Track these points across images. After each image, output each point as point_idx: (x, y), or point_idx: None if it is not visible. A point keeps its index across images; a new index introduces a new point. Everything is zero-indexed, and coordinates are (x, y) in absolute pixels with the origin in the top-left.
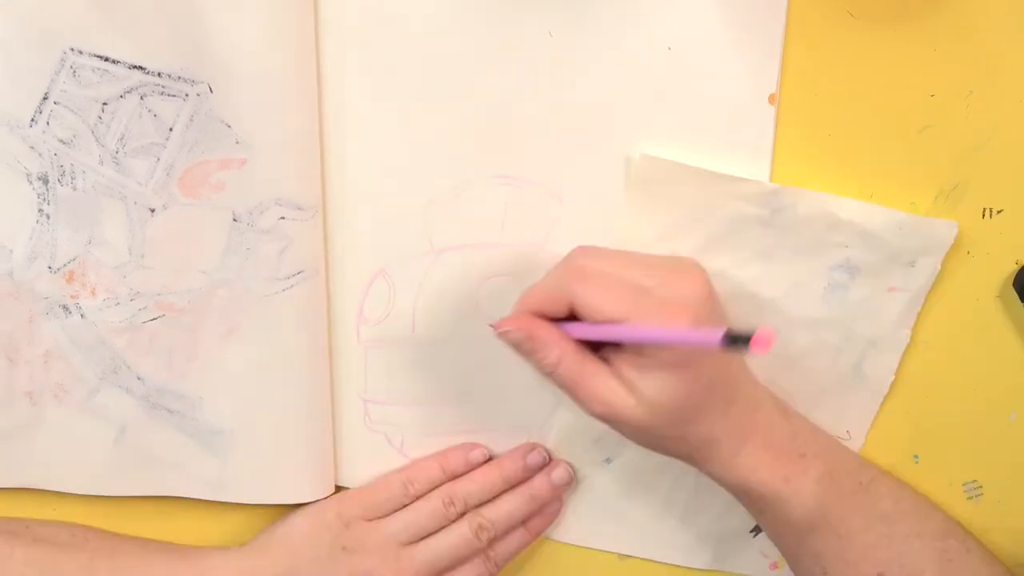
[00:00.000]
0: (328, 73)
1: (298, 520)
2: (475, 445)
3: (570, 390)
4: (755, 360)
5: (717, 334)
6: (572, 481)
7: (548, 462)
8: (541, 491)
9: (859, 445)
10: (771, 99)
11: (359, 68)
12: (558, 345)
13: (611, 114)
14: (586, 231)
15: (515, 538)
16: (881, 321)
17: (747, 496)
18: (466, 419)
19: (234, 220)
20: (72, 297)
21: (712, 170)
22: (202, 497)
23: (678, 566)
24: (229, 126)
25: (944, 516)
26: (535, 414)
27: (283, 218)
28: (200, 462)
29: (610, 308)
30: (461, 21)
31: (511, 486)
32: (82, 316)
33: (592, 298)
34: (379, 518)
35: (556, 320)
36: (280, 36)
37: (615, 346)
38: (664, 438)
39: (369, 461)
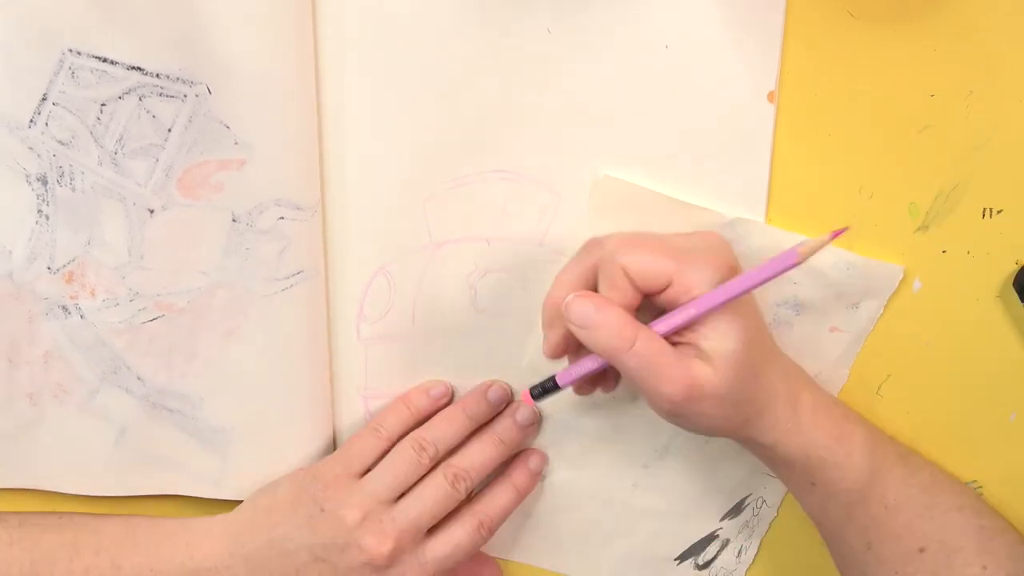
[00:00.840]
0: (327, 71)
1: (279, 489)
2: (436, 382)
3: (645, 371)
4: None
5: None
6: (537, 421)
7: (511, 397)
8: (507, 433)
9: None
10: (770, 97)
11: (357, 66)
12: (632, 323)
13: (609, 111)
14: (584, 225)
15: (504, 498)
16: (821, 360)
17: (804, 464)
18: None
19: (233, 220)
20: (72, 298)
21: (672, 196)
22: (203, 495)
23: None
24: (228, 127)
25: (975, 494)
26: None
27: (282, 218)
28: (201, 461)
29: (662, 264)
30: (460, 18)
31: (478, 425)
32: (82, 317)
33: (643, 258)
34: (358, 475)
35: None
36: (278, 36)
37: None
38: (736, 404)
39: None
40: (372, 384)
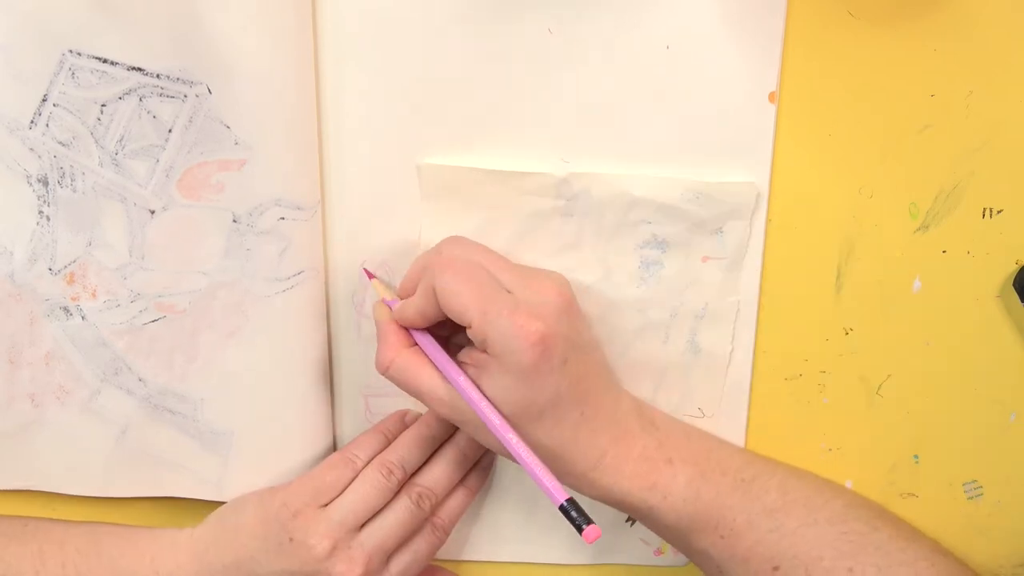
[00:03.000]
0: (326, 71)
1: (246, 510)
2: (407, 410)
3: (406, 390)
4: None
5: (561, 497)
6: None
7: None
8: (469, 448)
9: (715, 423)
10: (771, 97)
11: (357, 66)
12: (395, 347)
13: (610, 112)
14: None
15: (457, 500)
16: (703, 292)
17: (615, 505)
18: None
19: (234, 221)
20: (73, 299)
21: (497, 169)
22: (203, 498)
23: (561, 564)
24: (228, 127)
25: (847, 501)
26: None
27: (283, 218)
28: (201, 463)
29: (466, 298)
30: (460, 18)
31: (441, 442)
32: (83, 318)
33: (450, 289)
34: (326, 503)
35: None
36: (278, 36)
37: (467, 343)
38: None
39: None
40: (373, 383)
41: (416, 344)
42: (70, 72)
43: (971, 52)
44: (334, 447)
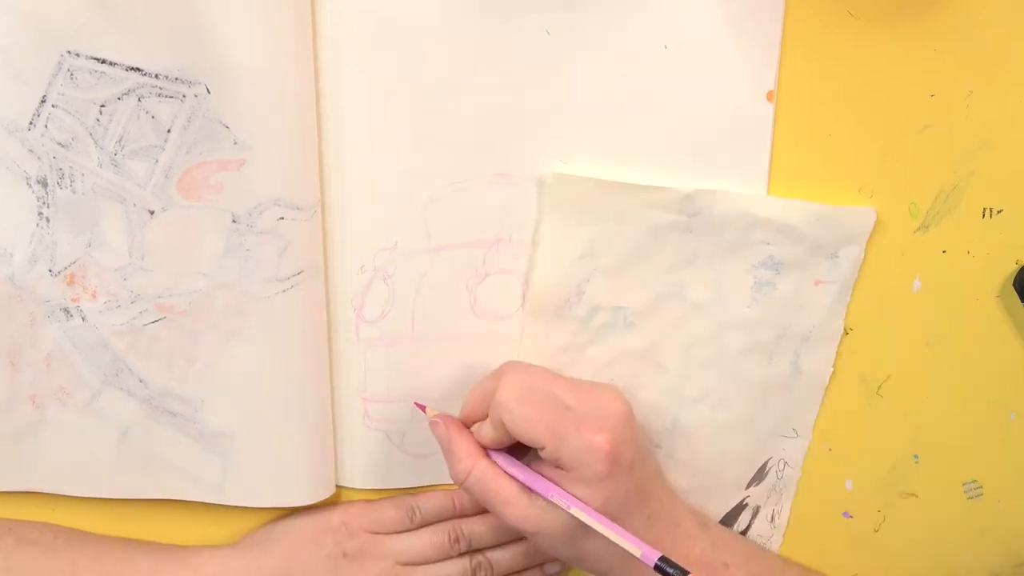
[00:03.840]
0: (326, 72)
1: (301, 521)
2: None
3: (484, 501)
4: (698, 370)
5: (654, 555)
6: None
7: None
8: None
9: (807, 443)
10: (769, 96)
11: (357, 67)
12: (471, 458)
13: (608, 112)
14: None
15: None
16: (812, 315)
17: None
18: None
19: (233, 221)
20: (73, 300)
21: (624, 182)
22: (204, 500)
23: None
24: (227, 127)
25: None
26: None
27: (282, 218)
28: (202, 464)
29: (535, 425)
30: (459, 19)
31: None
32: (83, 319)
33: (517, 420)
34: (383, 534)
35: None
36: (277, 36)
37: (539, 459)
38: (580, 553)
39: (369, 460)
40: (371, 387)
41: (487, 455)
42: (69, 73)
43: (971, 52)
44: (334, 447)
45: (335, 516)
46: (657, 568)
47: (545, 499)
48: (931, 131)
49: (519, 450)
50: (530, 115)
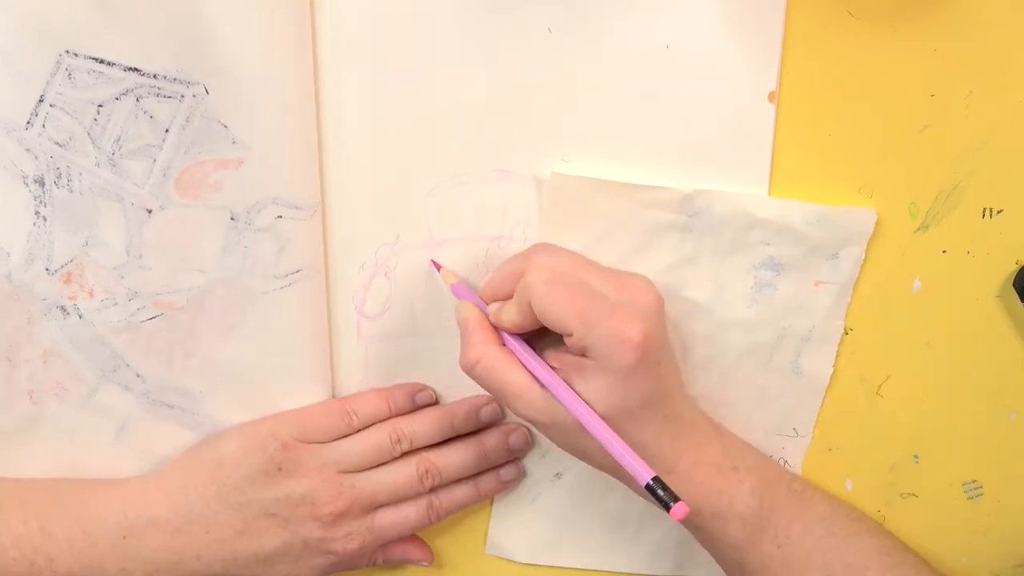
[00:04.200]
0: (325, 69)
1: (227, 439)
2: (423, 386)
3: (492, 391)
4: (698, 369)
5: (647, 475)
6: (528, 447)
7: (502, 420)
8: (495, 450)
9: (807, 442)
10: (771, 97)
11: (356, 64)
12: (484, 345)
13: (610, 111)
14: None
15: (463, 492)
16: (811, 315)
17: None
18: None
19: (232, 219)
20: (70, 298)
21: (624, 181)
22: None
23: (640, 574)
24: (225, 126)
25: (872, 519)
26: None
27: (280, 217)
28: None
29: (564, 309)
30: (459, 17)
31: (458, 436)
32: (80, 316)
33: (547, 301)
34: (319, 443)
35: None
36: (275, 34)
37: (557, 347)
38: (591, 447)
39: None
40: (372, 383)
41: (502, 343)
42: (67, 73)
43: (971, 52)
44: None
45: (263, 428)
46: (648, 488)
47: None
48: (931, 131)
49: (535, 342)
50: (531, 112)
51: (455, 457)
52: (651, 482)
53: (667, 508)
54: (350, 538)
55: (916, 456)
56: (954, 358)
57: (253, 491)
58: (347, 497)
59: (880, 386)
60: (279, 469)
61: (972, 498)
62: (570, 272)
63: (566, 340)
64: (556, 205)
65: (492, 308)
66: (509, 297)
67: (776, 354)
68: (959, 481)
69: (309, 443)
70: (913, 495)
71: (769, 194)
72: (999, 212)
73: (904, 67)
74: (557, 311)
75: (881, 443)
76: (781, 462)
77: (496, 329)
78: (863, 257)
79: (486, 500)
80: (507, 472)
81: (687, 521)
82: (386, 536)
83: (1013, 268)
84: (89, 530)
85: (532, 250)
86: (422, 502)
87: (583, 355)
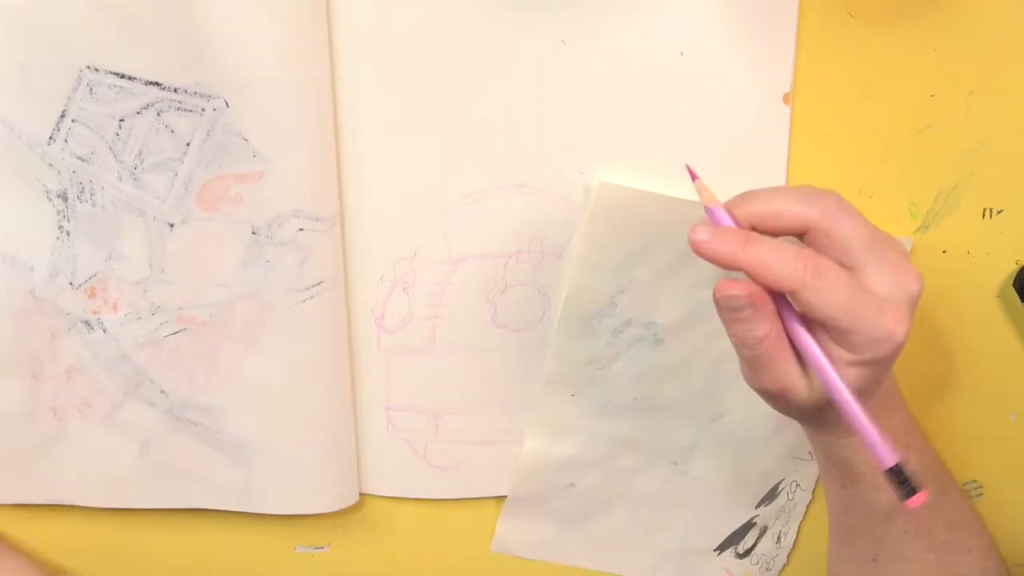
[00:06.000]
0: (342, 84)
1: None
2: None
3: (751, 363)
4: (729, 383)
5: (891, 459)
6: None
7: None
8: None
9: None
10: (785, 99)
11: (373, 78)
12: (769, 320)
13: (626, 120)
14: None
15: None
16: None
17: (846, 470)
18: (489, 428)
19: (253, 233)
20: (94, 312)
21: (670, 195)
22: (228, 508)
23: None
24: (246, 140)
25: (991, 539)
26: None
27: (302, 229)
28: (225, 474)
29: (830, 310)
30: (474, 30)
31: None
32: (104, 331)
33: (816, 296)
34: None
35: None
36: (294, 49)
37: (809, 325)
38: (816, 411)
39: (393, 469)
40: (394, 396)
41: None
42: (88, 88)
43: (971, 52)
44: (356, 456)
45: None
46: (889, 472)
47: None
48: (931, 131)
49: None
50: (547, 125)
51: None
52: (894, 467)
53: (906, 496)
54: None
55: None
56: (954, 358)
57: None
58: None
59: None
60: None
61: (972, 498)
62: (845, 260)
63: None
64: (601, 215)
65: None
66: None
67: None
68: (959, 481)
69: None
70: None
71: None
72: (999, 212)
73: (904, 67)
74: (824, 308)
75: None
76: (793, 485)
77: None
78: None
79: None
80: None
81: (846, 476)
82: None
83: (1013, 268)
84: None
85: (826, 202)
86: None
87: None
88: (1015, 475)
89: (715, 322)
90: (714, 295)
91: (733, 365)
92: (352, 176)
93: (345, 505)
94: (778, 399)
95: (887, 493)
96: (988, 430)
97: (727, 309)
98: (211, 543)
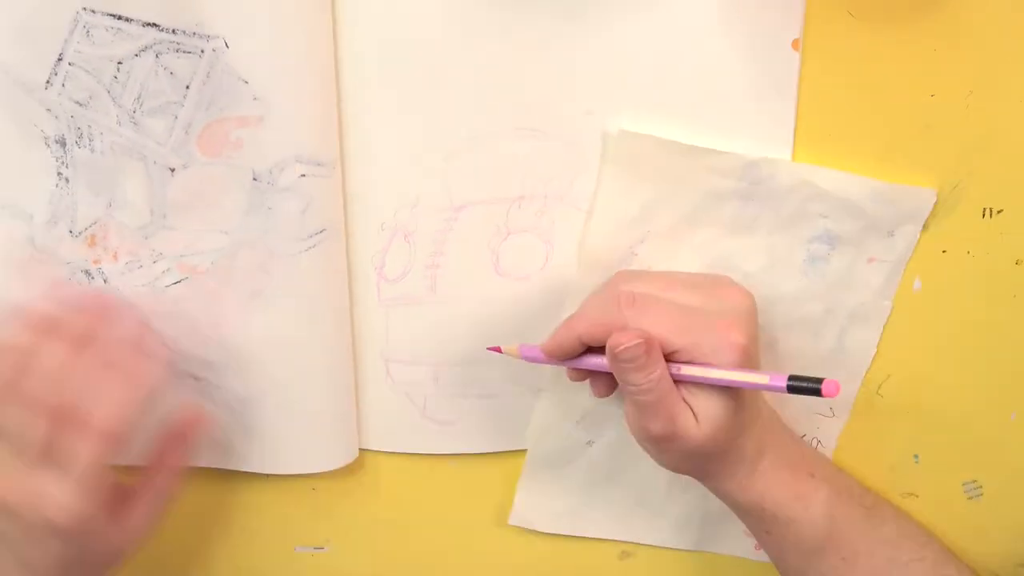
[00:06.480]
0: (343, 25)
1: None
2: None
3: (649, 408)
4: None
5: (782, 379)
6: None
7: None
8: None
9: (842, 423)
10: (794, 45)
11: (375, 20)
12: (661, 360)
13: (631, 65)
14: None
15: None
16: (862, 292)
17: (759, 515)
18: (489, 379)
19: (254, 179)
20: (95, 262)
21: (690, 144)
22: (226, 467)
23: (662, 548)
24: (246, 82)
25: (942, 545)
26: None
27: (303, 175)
28: (225, 430)
29: (665, 330)
30: None
31: None
32: (105, 281)
33: (645, 324)
34: None
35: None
36: None
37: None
38: (706, 456)
39: (391, 422)
40: (393, 348)
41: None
42: (85, 30)
43: (971, 52)
44: (356, 410)
45: None
46: (790, 388)
47: (687, 379)
48: (931, 131)
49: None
50: (550, 68)
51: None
52: (790, 381)
53: (818, 392)
54: None
55: (916, 456)
56: (954, 358)
57: None
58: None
59: (880, 386)
60: None
61: (972, 498)
62: (659, 295)
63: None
64: (618, 162)
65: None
66: (596, 336)
67: (822, 330)
68: (959, 481)
69: None
70: (913, 495)
71: None
72: (999, 212)
73: (904, 67)
74: (659, 330)
75: (881, 443)
76: (815, 441)
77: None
78: (918, 236)
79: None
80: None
81: (761, 522)
82: None
83: (1013, 268)
84: None
85: (614, 282)
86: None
87: (691, 362)
88: (1015, 475)
89: (736, 274)
90: (610, 352)
91: (759, 314)
92: (352, 123)
93: (345, 462)
94: (672, 441)
95: (808, 527)
96: (988, 430)
97: (625, 360)
98: (211, 543)
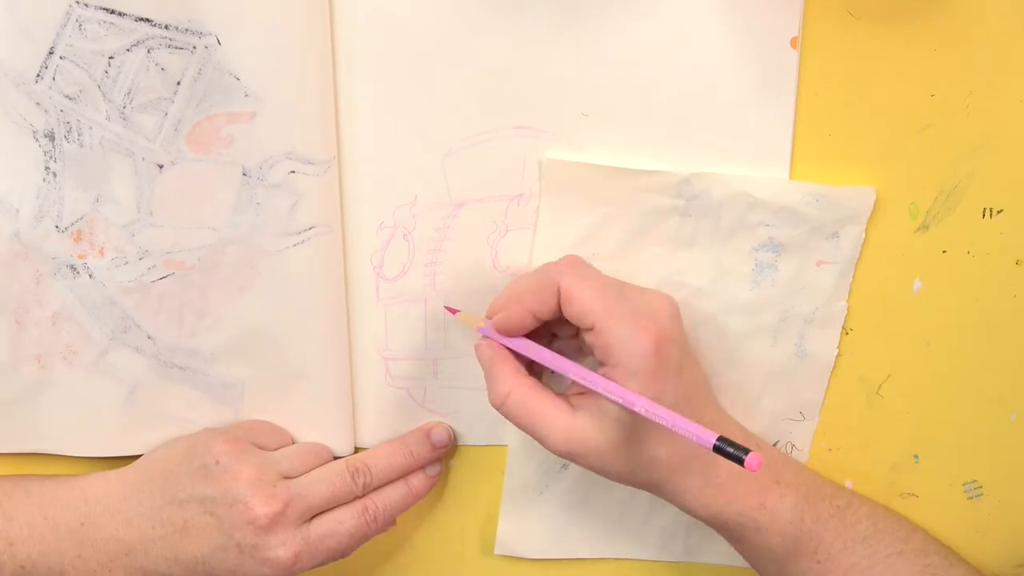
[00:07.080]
0: (340, 22)
1: (179, 440)
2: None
3: (523, 425)
4: (702, 353)
5: (711, 437)
6: (451, 442)
7: (451, 440)
8: (418, 448)
9: (814, 425)
10: (793, 43)
11: (372, 18)
12: (513, 378)
13: (628, 62)
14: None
15: (396, 491)
16: (814, 297)
17: (724, 527)
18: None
19: (244, 175)
20: (80, 257)
21: (620, 166)
22: None
23: (651, 561)
24: (238, 79)
25: (924, 535)
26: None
27: (294, 172)
28: (213, 417)
29: (589, 300)
30: None
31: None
32: (90, 276)
33: (576, 288)
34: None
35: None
36: None
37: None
38: (631, 464)
39: (391, 418)
40: (392, 345)
41: (528, 375)
42: (77, 24)
43: (971, 52)
44: (352, 405)
45: (210, 430)
46: (716, 449)
47: (598, 392)
48: (931, 131)
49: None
50: (548, 68)
51: (381, 453)
52: (718, 442)
53: (741, 462)
54: (285, 547)
55: (916, 456)
56: (954, 358)
57: (192, 486)
58: (281, 498)
59: (880, 386)
60: (217, 463)
61: (972, 498)
62: (597, 277)
63: (586, 336)
64: (553, 192)
65: (498, 306)
66: (535, 300)
67: (780, 337)
68: (959, 481)
69: (256, 445)
70: (913, 495)
71: None
72: (999, 212)
73: (904, 67)
74: (584, 298)
75: (881, 443)
76: (788, 446)
77: (520, 363)
78: (863, 236)
79: (418, 499)
80: (432, 468)
81: (730, 532)
82: (323, 546)
83: (1013, 268)
84: (50, 515)
85: (561, 259)
86: (357, 505)
87: (603, 362)
88: (1015, 475)
89: (685, 289)
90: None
91: (709, 332)
92: (351, 121)
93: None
94: (576, 455)
95: (776, 535)
96: (988, 430)
97: (480, 361)
98: None
